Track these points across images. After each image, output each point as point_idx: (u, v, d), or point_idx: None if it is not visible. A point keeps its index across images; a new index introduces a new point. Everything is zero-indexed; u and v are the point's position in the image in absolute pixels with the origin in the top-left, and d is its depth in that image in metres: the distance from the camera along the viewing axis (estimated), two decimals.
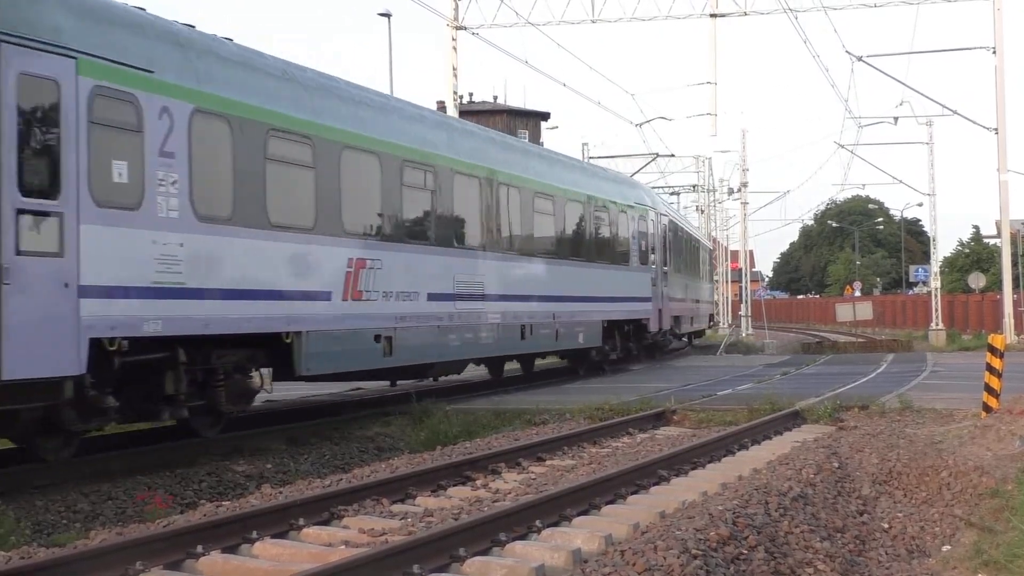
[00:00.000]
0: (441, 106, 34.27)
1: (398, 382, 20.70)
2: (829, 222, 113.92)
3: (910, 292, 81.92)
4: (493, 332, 19.20)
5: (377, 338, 15.39)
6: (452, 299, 17.62)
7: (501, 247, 19.68)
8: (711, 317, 48.82)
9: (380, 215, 15.91)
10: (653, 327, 27.92)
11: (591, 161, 43.76)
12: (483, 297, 18.66)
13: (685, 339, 41.82)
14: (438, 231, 17.48)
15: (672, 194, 59.40)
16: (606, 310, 24.76)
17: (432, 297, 16.96)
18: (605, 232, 25.23)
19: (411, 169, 16.67)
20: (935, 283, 48.69)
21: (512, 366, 25.07)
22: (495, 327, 19.22)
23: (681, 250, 35.02)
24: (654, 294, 28.00)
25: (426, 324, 16.73)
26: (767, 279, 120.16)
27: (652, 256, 28.24)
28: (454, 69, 31.94)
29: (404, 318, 16.04)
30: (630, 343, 27.16)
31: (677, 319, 32.27)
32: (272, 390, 14.31)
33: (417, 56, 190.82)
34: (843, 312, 54.59)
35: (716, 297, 68.00)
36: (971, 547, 8.68)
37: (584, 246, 23.80)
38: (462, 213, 18.44)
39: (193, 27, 13.26)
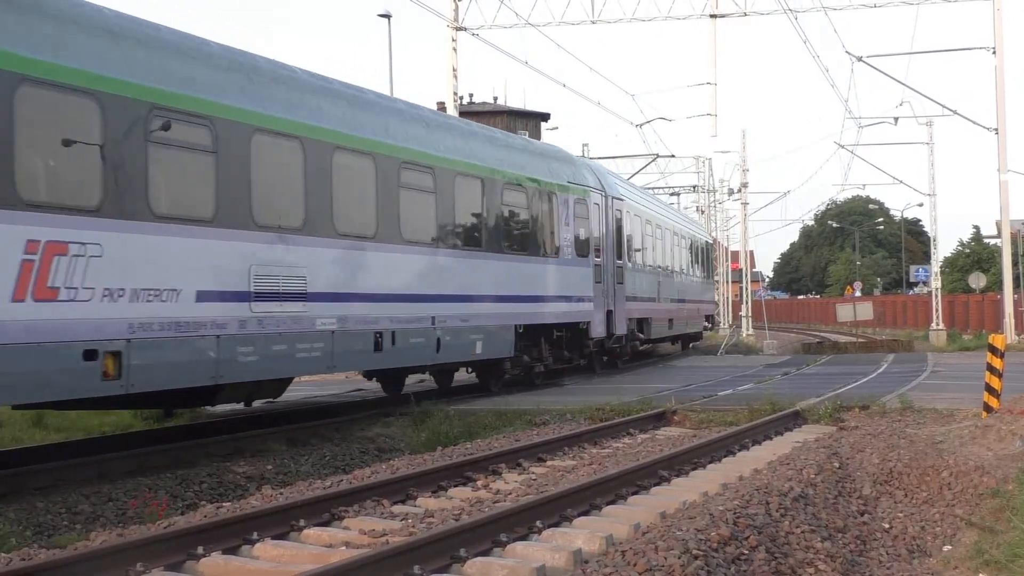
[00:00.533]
0: (441, 106, 34.26)
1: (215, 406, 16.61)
2: (829, 222, 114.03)
3: (910, 292, 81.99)
4: (323, 342, 14.41)
5: (90, 355, 10.99)
6: (245, 298, 13.04)
7: (339, 231, 14.91)
8: (710, 319, 43.88)
9: (102, 182, 11.33)
10: (597, 331, 23.25)
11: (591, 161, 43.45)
12: (304, 296, 14.08)
13: (676, 343, 38.66)
14: (220, 206, 12.77)
15: (672, 194, 59.46)
16: (520, 312, 19.89)
17: (205, 296, 12.47)
18: (520, 216, 20.27)
19: (165, 121, 12.12)
20: (935, 283, 48.72)
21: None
22: (326, 336, 14.49)
23: (656, 243, 30.77)
24: (599, 292, 23.44)
25: (193, 334, 12.24)
26: (767, 279, 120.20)
27: (598, 247, 23.61)
28: (454, 70, 31.96)
29: (147, 326, 11.66)
30: (565, 351, 22.52)
31: (644, 322, 28.05)
32: None
33: (417, 57, 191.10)
34: (843, 312, 54.60)
35: (717, 297, 68.19)
36: (972, 547, 8.68)
37: (485, 233, 18.88)
38: (268, 185, 13.62)
39: None
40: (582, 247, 22.75)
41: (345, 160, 15.26)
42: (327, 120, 15.02)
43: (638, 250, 28.05)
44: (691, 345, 40.31)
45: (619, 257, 25.20)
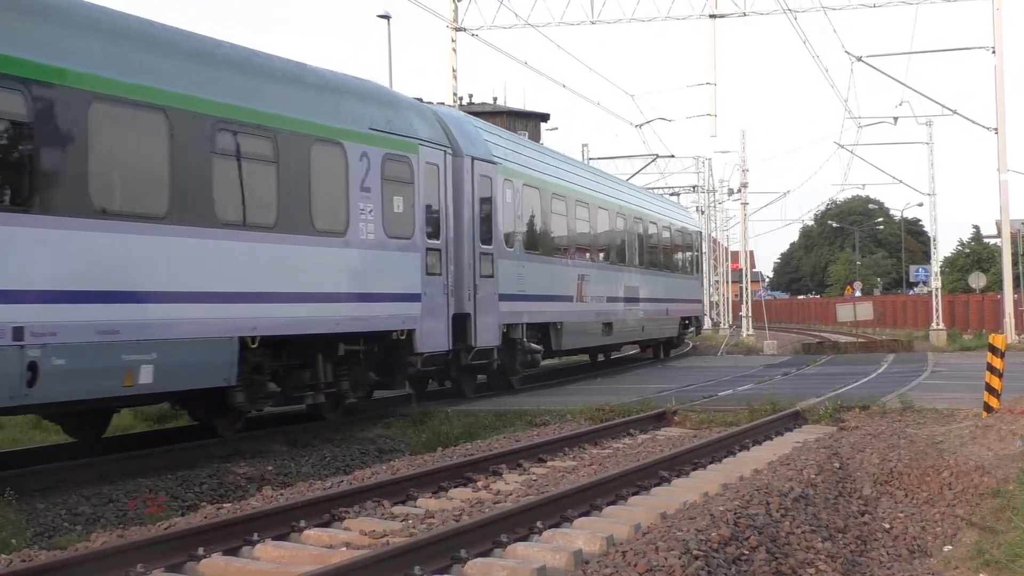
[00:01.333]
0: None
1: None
2: (829, 222, 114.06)
3: (911, 292, 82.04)
4: None
5: None
6: None
7: None
8: (694, 320, 36.50)
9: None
10: (430, 343, 16.60)
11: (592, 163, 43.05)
12: None
13: (648, 350, 33.63)
14: None
15: (672, 195, 59.48)
16: (252, 316, 13.28)
17: None
18: (256, 174, 13.57)
19: None
20: (935, 283, 48.75)
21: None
22: None
23: (579, 225, 24.38)
24: (436, 289, 16.89)
25: None
26: (767, 279, 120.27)
27: (438, 227, 17.15)
28: (454, 71, 31.98)
29: None
30: (371, 373, 16.07)
31: (551, 328, 21.87)
32: None
33: (417, 58, 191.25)
34: (843, 312, 54.56)
35: (714, 296, 68.07)
36: (972, 547, 8.68)
37: (167, 195, 12.18)
38: None
39: None
40: (401, 225, 16.17)
41: None
42: None
43: (535, 234, 21.71)
44: (664, 356, 34.49)
45: (487, 242, 18.79)
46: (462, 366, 18.57)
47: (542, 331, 21.63)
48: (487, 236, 18.89)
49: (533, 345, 21.04)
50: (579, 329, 23.97)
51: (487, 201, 19.00)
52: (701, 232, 39.30)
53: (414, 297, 16.46)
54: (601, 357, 31.66)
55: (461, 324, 17.93)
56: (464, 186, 18.22)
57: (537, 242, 21.75)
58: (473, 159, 18.52)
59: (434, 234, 17.08)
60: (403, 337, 16.21)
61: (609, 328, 26.03)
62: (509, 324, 19.76)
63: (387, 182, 15.94)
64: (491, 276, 18.88)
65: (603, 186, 27.77)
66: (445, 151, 17.62)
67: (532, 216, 21.59)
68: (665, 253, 32.52)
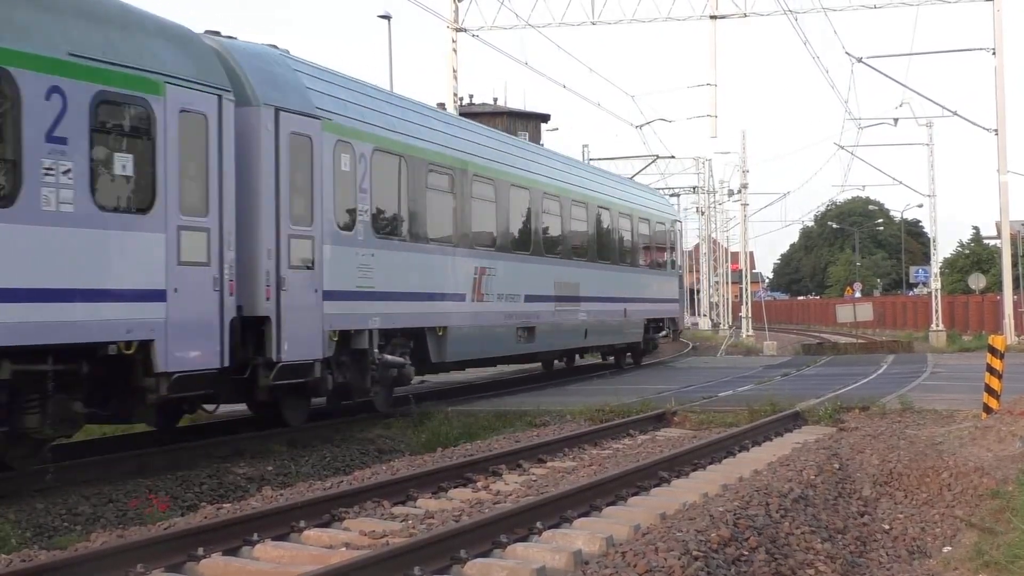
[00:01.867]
0: (441, 107, 34.30)
1: None
2: (829, 223, 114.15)
3: (910, 293, 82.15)
4: None
5: None
6: None
7: None
8: (668, 323, 30.58)
9: None
10: (179, 360, 11.97)
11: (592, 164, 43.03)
12: None
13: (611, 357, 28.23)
14: None
15: (672, 195, 59.52)
16: None
17: None
18: None
19: None
20: (935, 284, 48.85)
21: None
22: None
23: (479, 207, 19.45)
24: (198, 284, 12.34)
25: None
26: (767, 280, 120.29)
27: (209, 199, 12.55)
28: (454, 71, 32.02)
29: None
30: (77, 402, 11.26)
31: (428, 334, 17.39)
32: None
33: (418, 58, 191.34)
34: (843, 313, 54.63)
35: (714, 297, 68.05)
36: (972, 548, 8.68)
37: None
38: None
39: None
40: (128, 194, 11.58)
41: None
42: None
43: (398, 214, 16.89)
44: (631, 364, 29.00)
45: (302, 222, 14.35)
46: (268, 388, 13.92)
47: (417, 338, 17.27)
48: (303, 214, 14.40)
49: (391, 358, 16.31)
50: (476, 335, 19.12)
51: (304, 167, 14.44)
52: (679, 221, 33.56)
53: (152, 295, 11.77)
54: (559, 363, 27.50)
55: (257, 331, 13.64)
56: (260, 145, 13.72)
57: (401, 225, 16.95)
58: (278, 110, 14.00)
59: (197, 208, 12.47)
60: (130, 351, 11.51)
61: (530, 334, 21.31)
62: (347, 330, 15.21)
63: (101, 133, 11.23)
64: (308, 267, 14.47)
65: (523, 161, 22.29)
66: (220, 95, 12.80)
67: (392, 191, 16.75)
68: (623, 244, 27.17)
